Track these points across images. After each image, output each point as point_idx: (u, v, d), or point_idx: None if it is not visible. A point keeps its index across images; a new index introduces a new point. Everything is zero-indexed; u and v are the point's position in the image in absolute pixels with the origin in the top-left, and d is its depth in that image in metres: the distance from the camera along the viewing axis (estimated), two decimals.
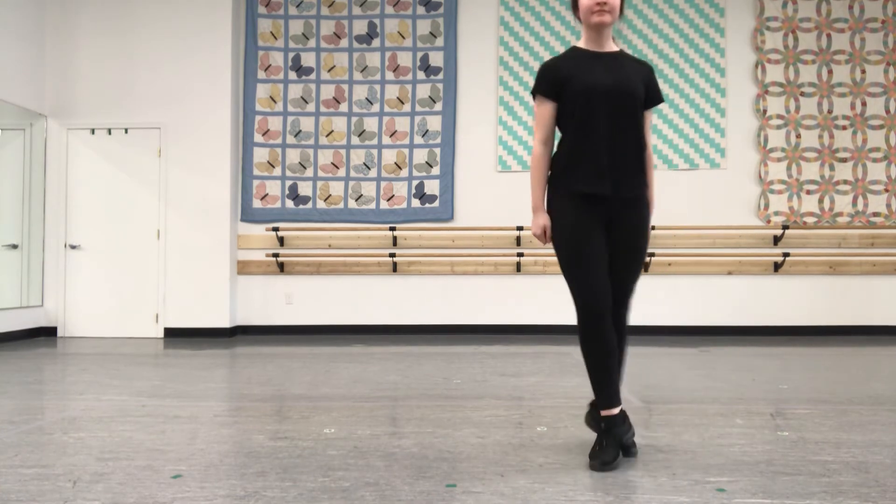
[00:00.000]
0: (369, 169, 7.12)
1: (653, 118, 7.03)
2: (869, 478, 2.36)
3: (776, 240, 6.95)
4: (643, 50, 7.08)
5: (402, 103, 7.13)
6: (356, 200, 7.12)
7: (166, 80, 6.91)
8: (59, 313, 6.89)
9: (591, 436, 2.71)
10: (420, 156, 7.11)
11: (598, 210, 2.53)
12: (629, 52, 7.07)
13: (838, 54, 7.01)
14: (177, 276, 6.84)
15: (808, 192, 6.98)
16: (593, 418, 2.67)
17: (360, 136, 7.13)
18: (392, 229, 7.02)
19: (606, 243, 2.54)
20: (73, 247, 6.89)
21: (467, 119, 7.13)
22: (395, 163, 7.10)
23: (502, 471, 2.44)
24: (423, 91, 7.13)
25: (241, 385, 4.27)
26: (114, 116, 6.93)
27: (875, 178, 6.95)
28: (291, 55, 7.17)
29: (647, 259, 6.85)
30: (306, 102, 7.16)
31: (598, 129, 2.51)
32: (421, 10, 7.15)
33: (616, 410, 2.51)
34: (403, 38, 7.15)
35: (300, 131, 7.14)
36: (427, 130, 7.11)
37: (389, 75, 7.15)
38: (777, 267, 6.94)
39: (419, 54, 7.15)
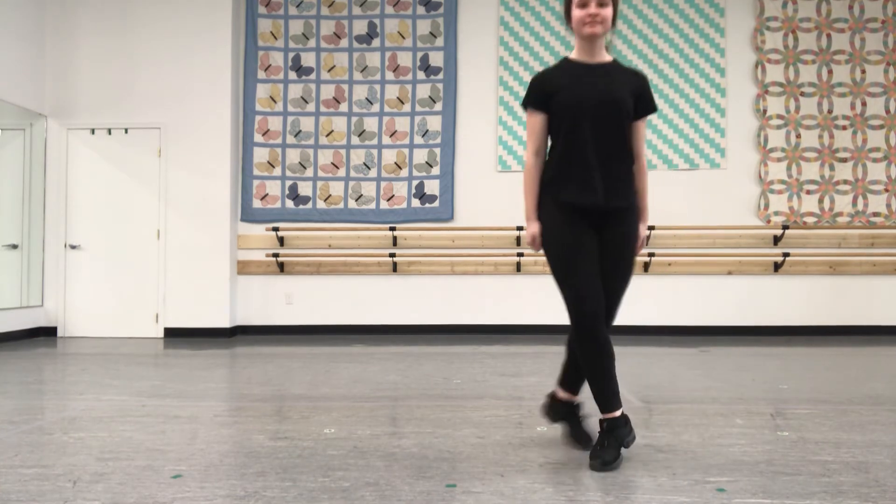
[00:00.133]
0: (369, 169, 7.12)
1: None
2: (869, 478, 2.36)
3: (776, 240, 6.95)
4: (643, 50, 7.08)
5: (402, 103, 7.13)
6: (356, 200, 7.12)
7: (166, 80, 6.92)
8: (59, 313, 6.89)
9: (592, 436, 2.71)
10: (420, 156, 7.11)
11: (588, 219, 2.56)
12: (634, 54, 7.07)
13: (838, 54, 7.01)
14: (177, 276, 6.84)
15: (808, 192, 6.98)
16: (551, 408, 2.84)
17: (360, 136, 7.13)
18: (392, 229, 7.02)
19: (597, 250, 2.56)
20: (73, 247, 6.89)
21: (467, 119, 7.13)
22: (395, 163, 7.10)
23: (502, 471, 2.44)
24: (423, 91, 7.13)
25: (241, 385, 4.27)
26: (114, 116, 6.93)
27: (875, 178, 6.95)
28: (291, 55, 7.17)
29: (647, 259, 6.86)
30: (306, 102, 7.16)
31: (585, 141, 2.54)
32: (421, 10, 7.15)
33: (618, 413, 2.51)
34: (403, 38, 7.15)
35: (300, 131, 7.14)
36: (427, 130, 7.12)
37: (389, 75, 7.15)
38: (777, 267, 6.94)
39: (419, 54, 7.15)
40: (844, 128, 6.98)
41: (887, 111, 6.97)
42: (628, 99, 2.57)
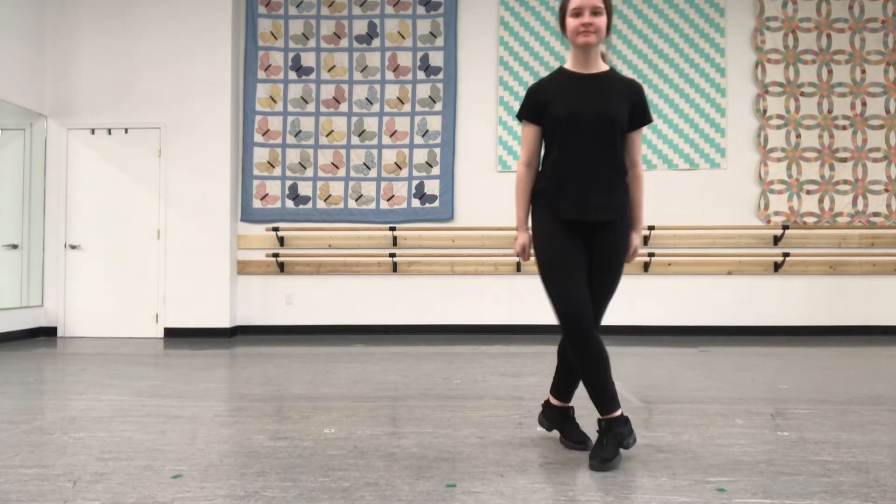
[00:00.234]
0: (369, 169, 7.12)
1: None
2: (869, 478, 2.36)
3: (776, 240, 6.96)
4: (643, 50, 7.08)
5: (402, 103, 7.13)
6: (356, 200, 7.12)
7: (166, 80, 6.92)
8: (59, 313, 6.89)
9: (592, 436, 2.71)
10: (420, 156, 7.11)
11: (578, 229, 2.58)
12: (634, 54, 7.07)
13: (838, 54, 7.01)
14: (177, 276, 6.84)
15: (808, 192, 6.98)
16: (547, 417, 2.85)
17: (360, 136, 7.13)
18: (392, 229, 7.02)
19: (586, 257, 2.58)
20: (73, 247, 6.89)
21: (467, 119, 7.13)
22: (395, 163, 7.10)
23: (502, 471, 2.44)
24: (423, 91, 7.13)
25: (241, 385, 4.27)
26: (114, 116, 6.93)
27: (875, 178, 6.96)
28: (291, 55, 7.17)
29: (647, 259, 6.86)
30: (306, 102, 7.16)
31: (578, 153, 2.55)
32: (421, 10, 7.15)
33: (616, 413, 2.52)
34: (403, 38, 7.15)
35: (300, 131, 7.14)
36: (427, 130, 7.12)
37: (389, 75, 7.15)
38: (777, 267, 6.94)
39: (419, 54, 7.15)
40: (844, 128, 6.98)
41: (887, 111, 6.97)
42: (623, 111, 2.56)
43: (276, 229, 7.01)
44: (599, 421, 2.55)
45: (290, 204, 7.13)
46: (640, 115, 2.62)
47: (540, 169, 2.69)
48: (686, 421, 3.21)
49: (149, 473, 2.42)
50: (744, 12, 7.09)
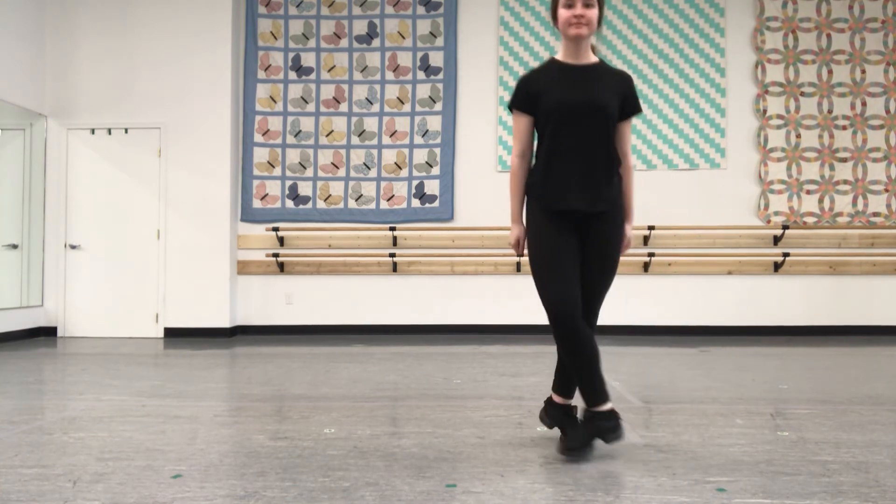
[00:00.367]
0: (369, 169, 7.12)
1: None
2: (869, 478, 2.36)
3: (776, 240, 6.96)
4: (643, 50, 7.08)
5: (402, 103, 7.13)
6: (356, 200, 7.12)
7: (166, 80, 6.91)
8: (59, 313, 6.89)
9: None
10: (420, 156, 7.11)
11: (571, 222, 2.57)
12: (634, 54, 7.07)
13: (838, 54, 7.01)
14: (177, 276, 6.84)
15: (808, 192, 6.98)
16: (548, 414, 2.84)
17: (360, 136, 7.13)
18: (392, 229, 7.02)
19: (579, 253, 2.57)
20: (73, 247, 6.89)
21: (467, 119, 7.13)
22: (395, 163, 7.10)
23: (502, 471, 2.44)
24: (423, 91, 7.13)
25: (241, 385, 4.27)
26: (114, 116, 6.93)
27: (875, 178, 6.96)
28: (291, 55, 7.17)
29: (647, 259, 6.86)
30: (306, 102, 7.16)
31: (568, 143, 2.55)
32: (421, 10, 7.15)
33: (605, 407, 2.53)
34: (403, 38, 7.15)
35: (300, 131, 7.14)
36: (427, 130, 7.12)
37: (389, 75, 7.15)
38: (777, 267, 6.94)
39: (419, 54, 7.15)
40: (844, 128, 6.98)
41: (887, 111, 6.97)
42: (613, 101, 2.57)
43: (276, 229, 7.01)
44: (584, 411, 2.57)
45: (290, 204, 7.13)
46: (630, 105, 2.63)
47: (533, 161, 2.69)
48: (686, 421, 3.21)
49: (149, 473, 2.42)
50: (744, 12, 7.09)
